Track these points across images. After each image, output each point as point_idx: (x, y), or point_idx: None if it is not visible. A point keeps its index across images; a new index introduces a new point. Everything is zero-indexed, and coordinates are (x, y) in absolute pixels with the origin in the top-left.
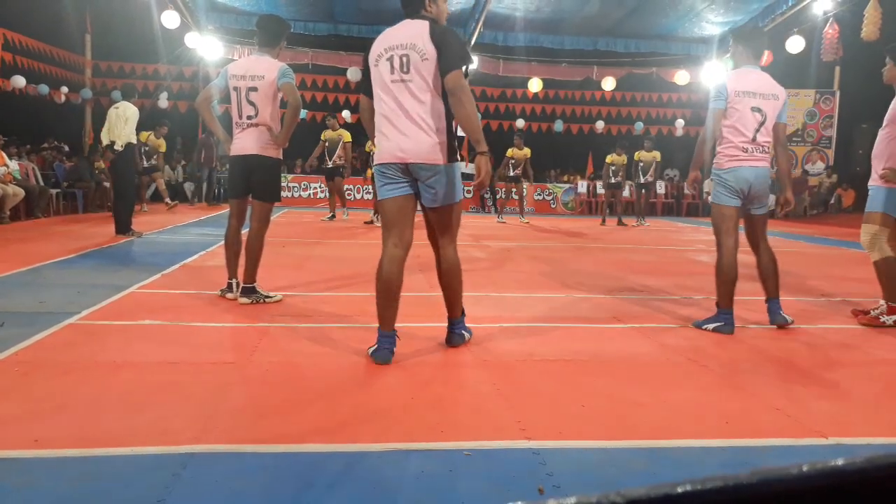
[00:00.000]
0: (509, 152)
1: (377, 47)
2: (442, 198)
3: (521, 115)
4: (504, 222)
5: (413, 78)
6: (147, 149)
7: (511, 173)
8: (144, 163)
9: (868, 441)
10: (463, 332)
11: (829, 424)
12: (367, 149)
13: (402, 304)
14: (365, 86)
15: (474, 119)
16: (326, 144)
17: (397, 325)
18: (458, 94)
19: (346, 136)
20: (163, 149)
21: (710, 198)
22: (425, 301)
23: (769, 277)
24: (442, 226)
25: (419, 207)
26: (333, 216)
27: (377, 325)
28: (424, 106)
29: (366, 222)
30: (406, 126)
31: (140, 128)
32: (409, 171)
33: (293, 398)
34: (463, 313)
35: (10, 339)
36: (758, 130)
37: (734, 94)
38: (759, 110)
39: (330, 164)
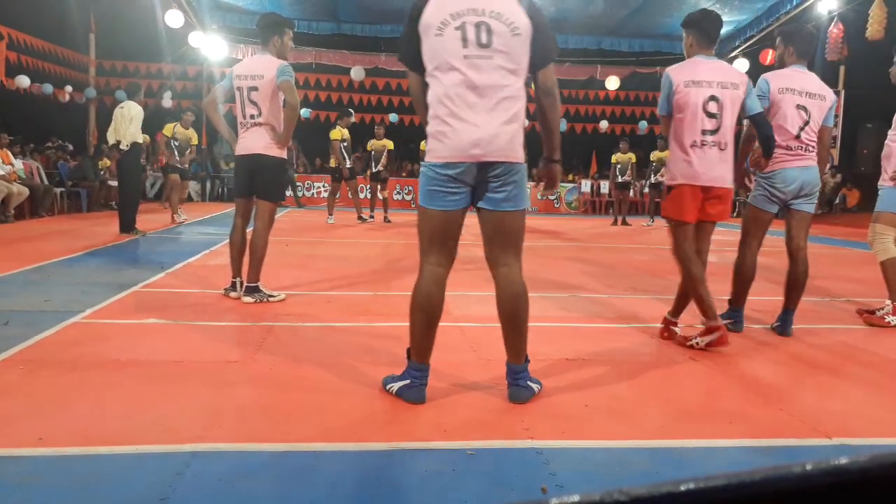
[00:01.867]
0: None
1: (439, 11)
2: (516, 201)
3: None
4: None
5: (495, 55)
6: (178, 143)
7: None
8: (177, 160)
9: (872, 441)
10: (530, 383)
11: (834, 425)
12: (368, 147)
13: (402, 302)
14: (412, 58)
15: (559, 124)
16: (344, 145)
17: (392, 323)
18: (555, 95)
19: (347, 134)
20: (195, 140)
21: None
22: None
23: (796, 289)
24: (511, 236)
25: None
26: (361, 219)
27: (408, 356)
28: (506, 90)
29: (366, 220)
30: (481, 115)
31: (163, 122)
32: (475, 173)
33: (296, 397)
34: (527, 359)
35: (15, 337)
36: (802, 129)
37: (776, 91)
38: (805, 109)
39: (349, 165)
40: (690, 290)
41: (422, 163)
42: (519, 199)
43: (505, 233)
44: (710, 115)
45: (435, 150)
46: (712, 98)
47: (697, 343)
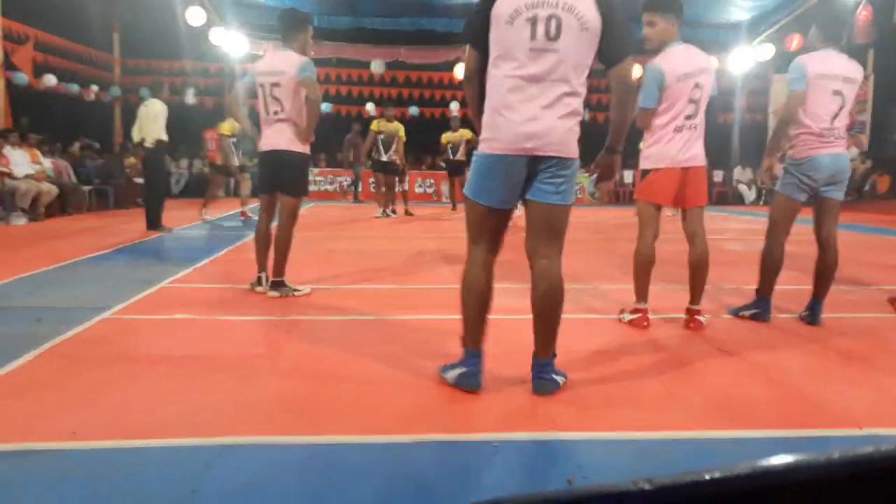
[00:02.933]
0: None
1: (514, 0)
2: (564, 195)
3: None
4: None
5: (562, 48)
6: (236, 140)
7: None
8: (236, 157)
9: None
10: (555, 376)
11: (863, 415)
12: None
13: (426, 295)
14: (476, 35)
15: (630, 117)
16: (381, 137)
17: (417, 316)
18: (630, 85)
19: (402, 130)
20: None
21: (777, 185)
22: (448, 293)
23: (825, 278)
24: (554, 230)
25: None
26: (385, 213)
27: (461, 343)
28: (567, 85)
29: (377, 216)
30: (539, 108)
31: (186, 119)
32: (528, 166)
33: (322, 390)
34: (554, 354)
35: (47, 334)
36: (836, 116)
37: (813, 75)
38: (840, 94)
39: (385, 159)
40: (634, 269)
41: (474, 152)
42: (567, 193)
43: (550, 225)
44: (692, 101)
45: (488, 140)
46: (696, 86)
47: (623, 318)
